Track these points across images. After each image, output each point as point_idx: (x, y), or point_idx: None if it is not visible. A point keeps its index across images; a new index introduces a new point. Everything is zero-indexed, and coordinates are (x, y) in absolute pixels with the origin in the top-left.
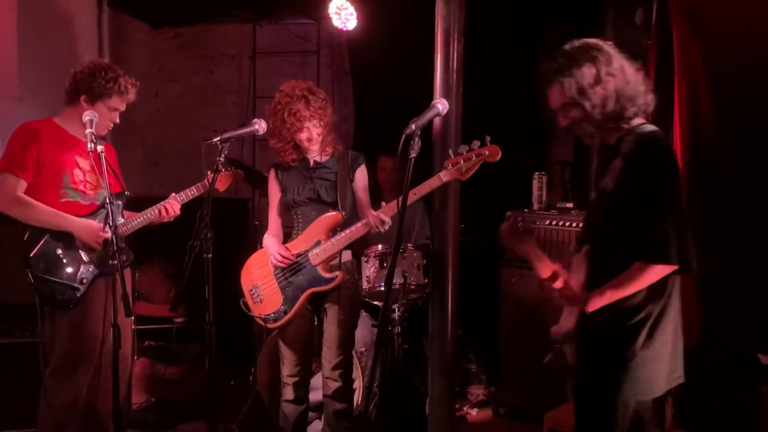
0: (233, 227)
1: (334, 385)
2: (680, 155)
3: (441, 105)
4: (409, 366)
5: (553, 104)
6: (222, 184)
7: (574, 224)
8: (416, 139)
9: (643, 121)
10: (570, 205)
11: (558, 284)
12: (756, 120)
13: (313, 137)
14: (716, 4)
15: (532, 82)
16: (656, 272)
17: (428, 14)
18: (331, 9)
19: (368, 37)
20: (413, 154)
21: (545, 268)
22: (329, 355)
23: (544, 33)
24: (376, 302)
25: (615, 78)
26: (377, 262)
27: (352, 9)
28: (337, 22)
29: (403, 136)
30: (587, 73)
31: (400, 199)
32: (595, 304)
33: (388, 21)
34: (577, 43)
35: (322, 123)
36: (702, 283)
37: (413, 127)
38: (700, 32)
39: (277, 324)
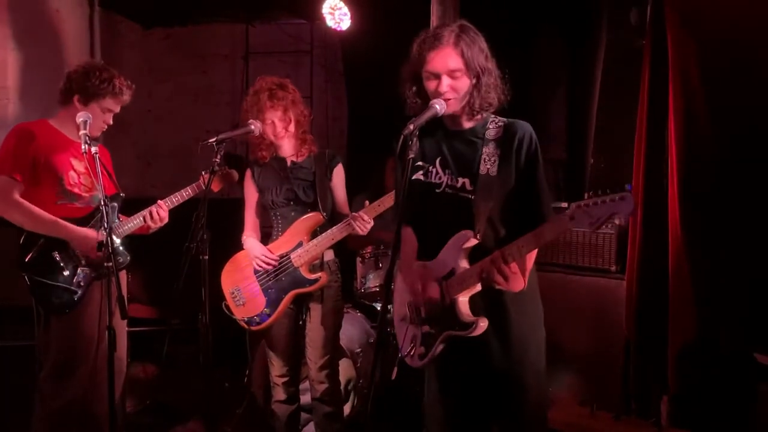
0: (226, 228)
1: (321, 387)
2: (675, 153)
3: (439, 105)
4: (404, 366)
5: (439, 67)
6: (215, 185)
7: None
8: (414, 139)
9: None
10: (564, 204)
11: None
12: (751, 117)
13: (278, 131)
14: (710, 3)
15: (526, 83)
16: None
17: (423, 14)
18: (325, 9)
19: (362, 38)
20: (411, 155)
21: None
22: (314, 356)
23: (538, 33)
24: (371, 303)
25: (493, 66)
26: (372, 262)
27: (345, 9)
28: (330, 22)
29: (401, 136)
30: (482, 52)
31: (383, 199)
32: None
33: (382, 21)
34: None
35: (288, 117)
36: (698, 282)
37: (411, 127)
38: (695, 31)
39: (261, 326)
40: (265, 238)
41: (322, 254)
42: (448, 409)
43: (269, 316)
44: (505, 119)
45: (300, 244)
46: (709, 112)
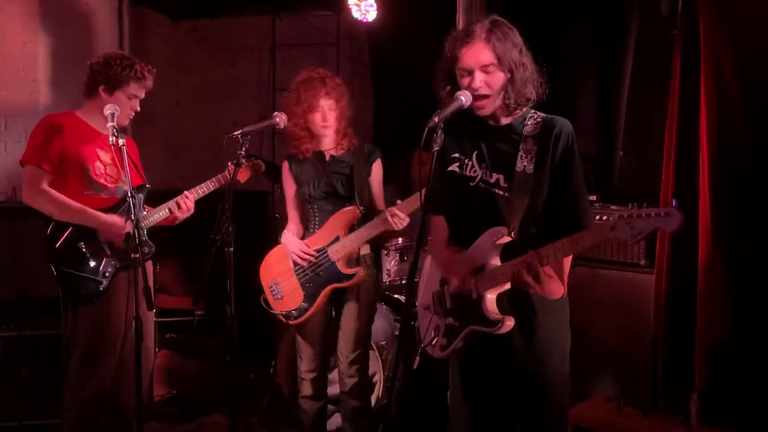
0: (252, 220)
1: (351, 381)
2: (706, 146)
3: (464, 97)
4: (428, 358)
5: (472, 62)
6: (242, 176)
7: (598, 217)
8: (439, 131)
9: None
10: (593, 197)
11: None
12: None
13: (328, 120)
14: None
15: (555, 75)
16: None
17: (450, 6)
18: (351, 0)
19: (388, 29)
20: (436, 148)
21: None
22: (346, 349)
23: (568, 25)
24: (396, 295)
25: (529, 60)
26: (398, 255)
27: (371, 0)
28: (356, 14)
29: (426, 129)
30: (515, 46)
31: (419, 194)
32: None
33: (408, 12)
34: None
35: (337, 106)
36: (729, 277)
37: (436, 119)
38: (728, 21)
39: (299, 320)
40: (303, 232)
41: (359, 249)
42: (472, 404)
43: (307, 310)
44: (543, 114)
45: (337, 239)
46: (742, 104)
